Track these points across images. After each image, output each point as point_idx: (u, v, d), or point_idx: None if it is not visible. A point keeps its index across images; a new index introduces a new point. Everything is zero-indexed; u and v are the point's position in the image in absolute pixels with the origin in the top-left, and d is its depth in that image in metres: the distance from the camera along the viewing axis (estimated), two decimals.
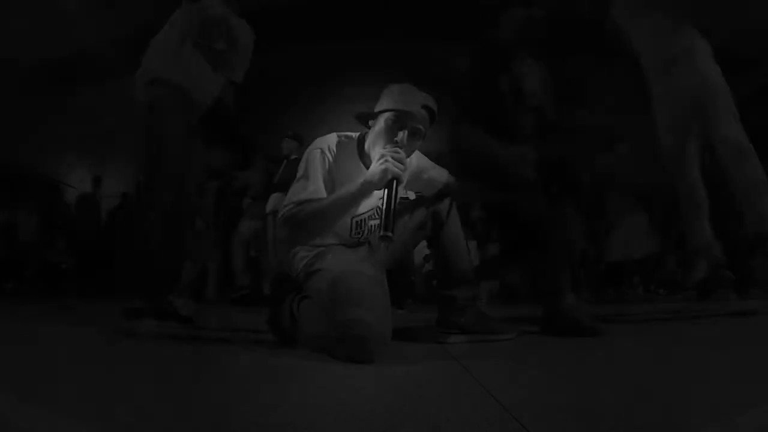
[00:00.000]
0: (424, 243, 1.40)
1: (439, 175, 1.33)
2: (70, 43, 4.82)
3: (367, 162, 1.17)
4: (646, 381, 0.75)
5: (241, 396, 0.67)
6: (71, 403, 0.62)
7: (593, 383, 0.76)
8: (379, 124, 1.15)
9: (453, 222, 1.34)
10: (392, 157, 1.04)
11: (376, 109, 1.17)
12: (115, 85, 5.23)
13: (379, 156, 1.06)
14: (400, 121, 1.12)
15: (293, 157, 3.48)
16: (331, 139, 1.19)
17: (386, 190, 1.02)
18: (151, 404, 0.61)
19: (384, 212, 1.00)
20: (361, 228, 1.23)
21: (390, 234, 0.97)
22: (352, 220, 1.21)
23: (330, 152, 1.16)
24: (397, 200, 1.03)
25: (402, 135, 1.11)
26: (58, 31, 4.60)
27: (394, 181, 1.02)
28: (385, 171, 1.02)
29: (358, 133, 1.24)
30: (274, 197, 3.37)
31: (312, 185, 1.11)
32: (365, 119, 1.21)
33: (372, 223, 1.25)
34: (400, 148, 1.08)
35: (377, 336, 0.93)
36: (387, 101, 1.16)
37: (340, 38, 5.43)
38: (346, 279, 1.04)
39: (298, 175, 1.16)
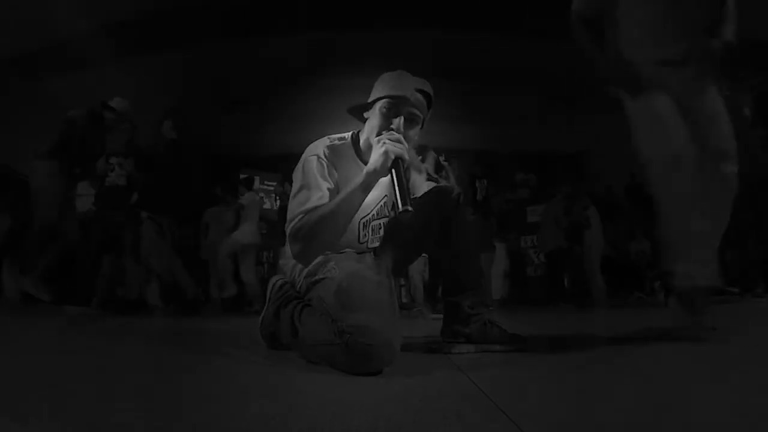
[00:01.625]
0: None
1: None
2: (44, 33, 4.85)
3: (366, 159, 1.18)
4: (657, 394, 0.77)
5: (237, 407, 0.68)
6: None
7: (601, 395, 0.77)
8: (374, 113, 1.17)
9: (461, 219, 1.30)
10: (389, 139, 1.06)
11: (370, 99, 1.19)
12: (89, 76, 5.26)
13: (376, 143, 1.08)
14: (394, 107, 1.14)
15: (170, 138, 3.72)
16: (323, 144, 1.20)
17: (393, 171, 1.04)
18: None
19: (398, 191, 1.02)
20: (368, 229, 1.25)
21: (409, 207, 1.00)
22: (359, 222, 1.22)
23: (325, 156, 1.17)
24: (407, 179, 1.05)
25: (398, 122, 1.13)
26: (33, 22, 4.63)
27: (399, 161, 1.04)
28: (386, 153, 1.04)
29: (350, 132, 1.26)
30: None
31: (315, 193, 1.10)
32: (359, 112, 1.22)
33: (375, 223, 1.26)
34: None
35: (385, 344, 0.93)
36: (380, 89, 1.18)
37: (327, 28, 5.45)
38: (351, 285, 1.04)
39: (296, 186, 1.15)
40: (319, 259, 1.19)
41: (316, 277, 1.17)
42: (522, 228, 6.47)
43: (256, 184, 7.21)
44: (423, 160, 3.38)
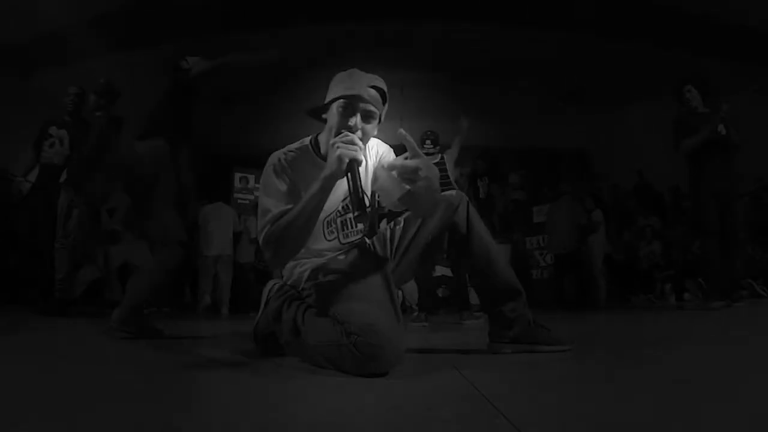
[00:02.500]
0: None
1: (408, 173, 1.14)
2: (31, 25, 4.87)
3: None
4: (666, 395, 0.76)
5: (237, 412, 0.68)
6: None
7: (616, 401, 0.77)
8: (331, 114, 1.20)
9: (477, 231, 1.30)
10: (343, 142, 1.09)
11: (326, 101, 1.22)
12: (75, 69, 5.26)
13: (331, 146, 1.11)
14: (350, 106, 1.17)
15: (98, 114, 3.36)
16: (281, 152, 1.27)
17: (348, 175, 1.07)
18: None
19: (352, 195, 1.07)
20: (332, 227, 1.29)
21: (362, 213, 1.05)
22: (323, 222, 1.27)
23: (281, 163, 1.23)
24: (362, 181, 1.10)
25: (355, 120, 1.16)
26: (20, 14, 4.65)
27: (354, 164, 1.07)
28: (339, 158, 1.07)
29: (309, 137, 1.31)
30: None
31: (277, 201, 1.17)
32: (318, 114, 1.26)
33: (340, 220, 1.30)
34: (354, 133, 1.13)
35: (391, 345, 0.96)
36: (334, 90, 1.21)
37: (327, 24, 5.47)
38: (356, 289, 1.11)
39: (260, 197, 1.22)
40: (321, 261, 1.25)
41: (319, 280, 1.21)
42: (527, 229, 6.43)
43: (251, 183, 7.22)
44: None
